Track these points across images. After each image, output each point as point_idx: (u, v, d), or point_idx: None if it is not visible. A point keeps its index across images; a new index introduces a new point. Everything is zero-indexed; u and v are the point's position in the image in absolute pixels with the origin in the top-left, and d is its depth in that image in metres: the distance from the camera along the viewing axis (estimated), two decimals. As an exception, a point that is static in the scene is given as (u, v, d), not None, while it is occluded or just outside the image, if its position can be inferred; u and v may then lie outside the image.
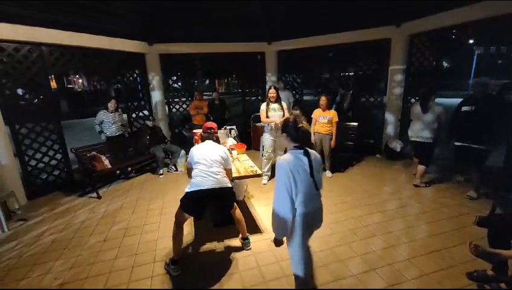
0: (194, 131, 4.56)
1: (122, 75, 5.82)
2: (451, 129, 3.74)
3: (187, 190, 2.43)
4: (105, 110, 4.91)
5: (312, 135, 4.65)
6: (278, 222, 1.67)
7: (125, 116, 5.57)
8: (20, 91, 4.24)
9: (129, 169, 5.16)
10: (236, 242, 2.87)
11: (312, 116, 4.62)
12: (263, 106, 4.21)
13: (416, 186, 4.06)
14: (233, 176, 2.94)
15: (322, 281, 2.29)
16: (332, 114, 4.38)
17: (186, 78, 7.42)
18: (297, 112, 1.79)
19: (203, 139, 2.72)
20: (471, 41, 18.44)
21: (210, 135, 2.70)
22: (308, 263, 1.87)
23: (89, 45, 4.67)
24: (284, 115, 4.19)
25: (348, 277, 2.33)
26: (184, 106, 6.80)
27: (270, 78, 6.80)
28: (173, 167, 5.26)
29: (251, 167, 3.19)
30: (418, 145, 4.02)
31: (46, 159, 4.35)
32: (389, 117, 5.54)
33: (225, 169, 2.59)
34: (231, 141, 4.12)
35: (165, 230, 3.17)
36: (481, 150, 3.42)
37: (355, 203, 3.66)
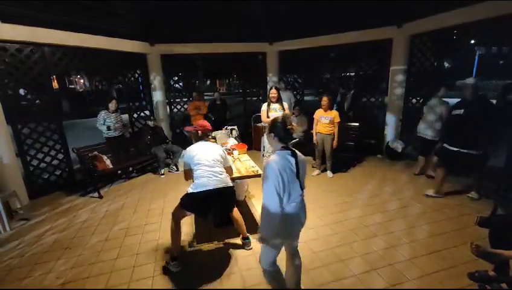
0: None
1: (123, 75, 5.84)
2: (443, 132, 3.70)
3: (192, 190, 2.41)
4: (106, 110, 4.93)
5: (314, 135, 4.65)
6: (269, 222, 1.67)
7: (124, 116, 5.58)
8: (22, 91, 4.26)
9: (130, 169, 5.17)
10: (236, 242, 2.87)
11: (314, 116, 4.62)
12: (264, 106, 4.22)
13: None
14: (234, 176, 2.94)
15: (323, 281, 2.29)
16: (334, 114, 4.38)
17: (187, 78, 7.44)
18: (287, 112, 1.79)
19: (197, 139, 2.64)
20: (472, 41, 18.39)
21: (207, 136, 2.66)
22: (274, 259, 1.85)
23: (91, 45, 4.69)
24: None
25: (348, 277, 2.33)
26: (185, 106, 6.82)
27: (271, 78, 6.81)
28: (174, 167, 5.27)
29: (252, 167, 3.19)
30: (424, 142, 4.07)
31: (47, 159, 4.37)
32: (390, 117, 5.53)
33: (225, 167, 2.60)
34: (232, 141, 4.13)
35: (166, 230, 3.17)
36: (475, 155, 3.28)
37: (356, 204, 3.66)
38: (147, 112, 6.18)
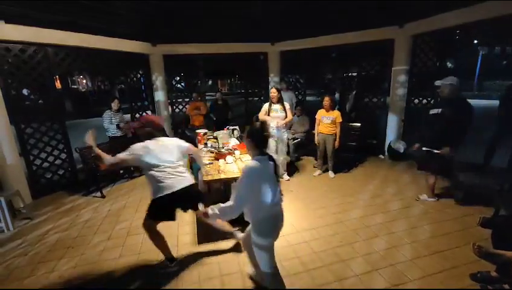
0: (197, 131, 4.58)
1: (126, 75, 5.87)
2: (420, 132, 3.65)
3: (159, 194, 2.25)
4: (110, 110, 4.97)
5: (316, 135, 4.65)
6: (230, 215, 1.75)
7: (127, 116, 5.58)
8: (25, 91, 4.29)
9: (132, 168, 5.19)
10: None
11: (316, 116, 4.62)
12: (265, 106, 4.26)
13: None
14: (236, 176, 2.94)
15: (324, 281, 2.29)
16: (336, 114, 4.38)
17: (189, 78, 7.46)
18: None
19: (150, 137, 2.38)
20: (475, 41, 18.32)
21: (159, 131, 2.47)
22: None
23: (94, 45, 4.71)
24: (286, 116, 4.18)
25: (350, 277, 2.33)
26: (187, 106, 6.83)
27: (273, 78, 6.81)
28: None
29: (253, 167, 3.19)
30: None
31: (50, 158, 4.40)
32: (392, 118, 5.52)
33: (190, 150, 2.58)
34: (234, 141, 4.13)
35: (168, 229, 3.18)
36: (442, 156, 3.23)
37: (357, 204, 3.66)
38: (149, 112, 6.20)
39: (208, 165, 3.16)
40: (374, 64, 5.85)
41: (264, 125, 1.78)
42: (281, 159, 4.31)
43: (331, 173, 4.70)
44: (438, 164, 3.37)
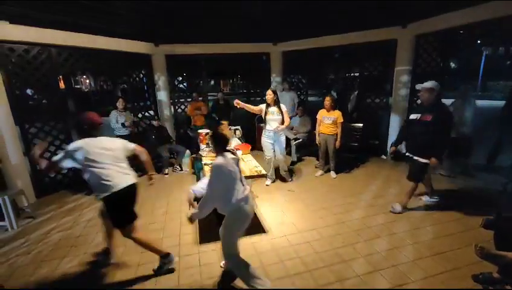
0: (199, 131, 4.60)
1: (128, 75, 5.90)
2: (399, 137, 3.58)
3: (113, 190, 2.18)
4: (116, 110, 5.02)
5: (317, 136, 4.64)
6: (206, 211, 1.98)
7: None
8: (29, 91, 4.32)
9: (134, 168, 5.20)
10: (240, 241, 2.88)
11: (317, 116, 4.61)
12: (262, 106, 4.14)
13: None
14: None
15: (326, 281, 2.29)
16: (337, 115, 4.37)
17: (191, 78, 7.48)
18: (225, 122, 2.12)
19: (93, 133, 2.31)
20: (479, 41, 18.20)
21: (95, 130, 2.38)
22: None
23: (97, 46, 4.75)
24: (283, 120, 4.04)
25: (351, 277, 2.33)
26: (188, 106, 6.85)
27: (275, 78, 6.81)
28: (178, 167, 5.31)
29: (256, 167, 3.20)
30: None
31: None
32: (395, 118, 5.50)
33: (135, 150, 2.56)
34: (236, 142, 4.14)
35: (170, 229, 3.21)
36: (422, 163, 3.13)
37: (359, 204, 3.65)
38: (151, 112, 6.23)
39: (210, 165, 3.17)
40: (376, 64, 5.84)
41: (220, 130, 2.11)
42: (281, 157, 4.25)
43: (333, 174, 4.69)
44: (418, 171, 3.23)
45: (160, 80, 6.18)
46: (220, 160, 1.94)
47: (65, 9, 4.10)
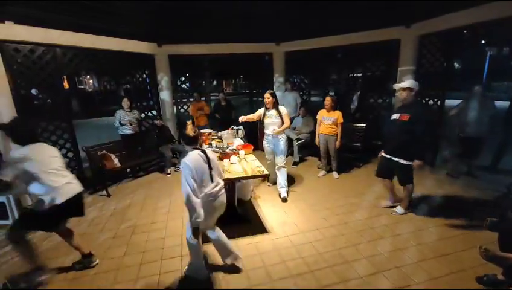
0: (201, 131, 4.60)
1: (131, 75, 5.94)
2: (384, 138, 3.46)
3: (57, 202, 2.14)
4: (122, 109, 5.06)
5: (316, 136, 4.62)
6: (192, 205, 2.00)
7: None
8: (34, 91, 4.35)
9: (137, 168, 5.25)
10: (242, 241, 2.89)
11: (317, 117, 4.59)
12: (260, 110, 3.95)
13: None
14: (240, 176, 2.96)
15: (328, 282, 2.29)
16: (337, 115, 4.35)
17: (194, 78, 7.50)
18: (189, 122, 2.31)
19: (29, 140, 2.18)
20: (483, 42, 18.05)
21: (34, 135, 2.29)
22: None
23: (101, 46, 4.78)
24: (282, 123, 3.78)
25: (354, 278, 2.32)
26: (191, 106, 6.87)
27: (278, 78, 6.81)
28: (180, 167, 5.32)
29: (258, 167, 3.20)
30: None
31: (58, 157, 4.45)
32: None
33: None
34: (238, 141, 4.14)
35: (172, 228, 3.22)
36: (403, 165, 3.06)
37: (362, 205, 3.64)
38: (154, 112, 6.25)
39: None
40: (379, 64, 5.81)
41: (187, 130, 2.23)
42: (280, 162, 3.88)
43: (335, 174, 4.68)
44: (399, 173, 3.18)
45: (163, 80, 6.20)
46: (186, 158, 2.11)
47: (69, 9, 4.13)
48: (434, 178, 4.44)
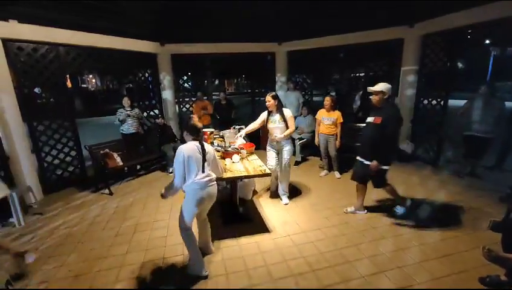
0: (203, 130, 4.60)
1: (134, 74, 5.96)
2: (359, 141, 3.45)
3: None
4: (123, 108, 5.08)
5: (316, 136, 4.61)
6: (173, 190, 2.31)
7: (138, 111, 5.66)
8: (37, 90, 4.38)
9: (140, 167, 5.26)
10: (244, 240, 2.89)
11: (316, 116, 4.58)
12: (263, 115, 3.67)
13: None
14: (241, 175, 2.96)
15: (330, 281, 2.29)
16: (337, 115, 4.33)
17: (196, 78, 7.52)
18: (195, 116, 2.48)
19: None
20: (487, 41, 17.92)
21: None
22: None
23: (104, 45, 4.80)
24: (286, 128, 3.49)
25: (356, 278, 2.31)
26: (194, 105, 6.88)
27: (280, 78, 6.80)
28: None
29: (260, 166, 3.20)
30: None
31: (61, 155, 4.49)
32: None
33: None
34: (240, 141, 4.14)
35: (174, 227, 3.22)
36: (364, 165, 3.08)
37: (364, 205, 3.62)
38: (156, 111, 6.27)
39: None
40: (381, 64, 5.79)
41: (192, 120, 2.36)
42: (284, 172, 3.69)
43: (337, 174, 4.67)
44: (372, 177, 3.15)
45: (166, 79, 6.21)
46: (183, 145, 2.25)
47: (73, 9, 4.15)
48: (437, 178, 4.43)
